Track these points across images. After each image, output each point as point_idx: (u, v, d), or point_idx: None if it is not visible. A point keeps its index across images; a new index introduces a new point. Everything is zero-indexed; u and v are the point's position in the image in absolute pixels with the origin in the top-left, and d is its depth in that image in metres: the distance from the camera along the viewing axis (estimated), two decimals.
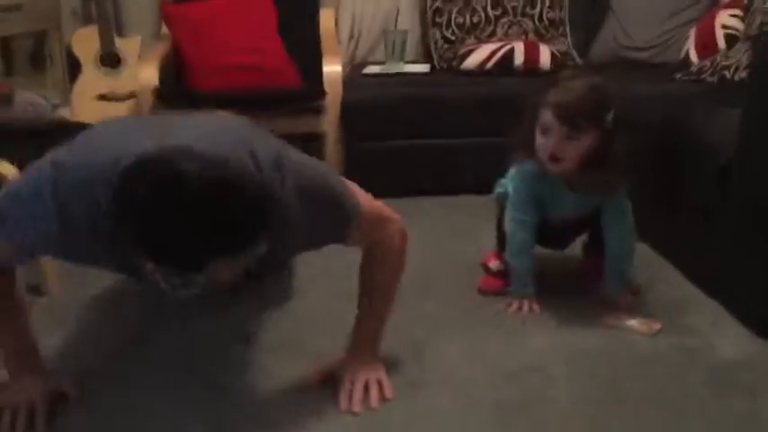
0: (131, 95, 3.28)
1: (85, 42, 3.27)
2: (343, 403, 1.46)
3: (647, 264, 2.11)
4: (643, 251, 2.13)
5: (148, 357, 1.68)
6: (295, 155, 1.34)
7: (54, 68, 3.25)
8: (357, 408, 1.45)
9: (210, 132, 1.24)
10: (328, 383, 1.52)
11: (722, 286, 1.87)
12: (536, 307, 1.88)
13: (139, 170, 1.05)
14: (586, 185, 1.81)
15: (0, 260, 1.33)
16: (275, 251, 1.17)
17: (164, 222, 1.02)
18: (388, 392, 1.50)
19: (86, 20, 3.38)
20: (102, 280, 2.03)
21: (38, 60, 3.22)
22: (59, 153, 1.25)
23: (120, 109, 3.25)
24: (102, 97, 3.26)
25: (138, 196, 1.03)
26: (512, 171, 1.93)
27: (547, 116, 1.70)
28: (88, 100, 3.21)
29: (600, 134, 1.70)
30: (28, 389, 1.43)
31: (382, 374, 1.53)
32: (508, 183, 1.94)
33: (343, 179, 1.43)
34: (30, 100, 2.20)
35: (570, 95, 1.69)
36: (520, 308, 1.88)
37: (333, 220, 1.36)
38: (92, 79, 3.27)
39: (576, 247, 2.12)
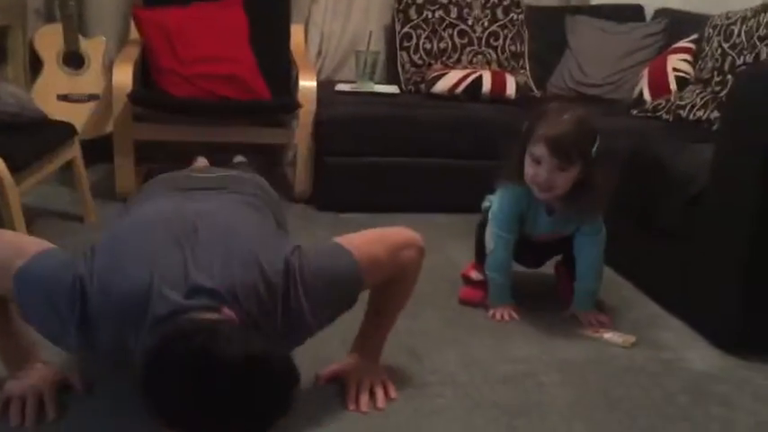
0: (93, 97, 3.23)
1: (49, 40, 3.20)
2: (351, 404, 1.50)
3: (613, 285, 2.25)
4: (607, 273, 2.26)
5: None
6: (296, 251, 1.35)
7: (14, 65, 3.16)
8: (364, 408, 1.49)
9: (227, 247, 1.28)
10: (333, 386, 1.56)
11: (687, 306, 2.01)
12: (515, 314, 1.99)
13: (174, 350, 1.07)
14: (565, 212, 1.93)
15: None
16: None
17: (194, 409, 1.05)
18: (393, 393, 1.55)
19: (49, 18, 3.31)
20: None
21: None
22: (96, 263, 1.25)
23: (82, 110, 3.19)
24: (64, 97, 3.19)
25: (167, 380, 1.06)
26: (497, 193, 2.02)
27: (539, 148, 1.80)
28: (49, 99, 3.14)
29: (585, 165, 1.82)
30: (35, 379, 1.41)
31: (385, 377, 1.58)
32: (495, 199, 2.03)
33: (340, 242, 1.42)
34: (11, 91, 2.15)
35: (561, 129, 1.78)
36: (501, 317, 1.97)
37: (348, 291, 1.39)
38: (53, 78, 3.20)
39: (550, 266, 2.23)
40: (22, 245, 1.31)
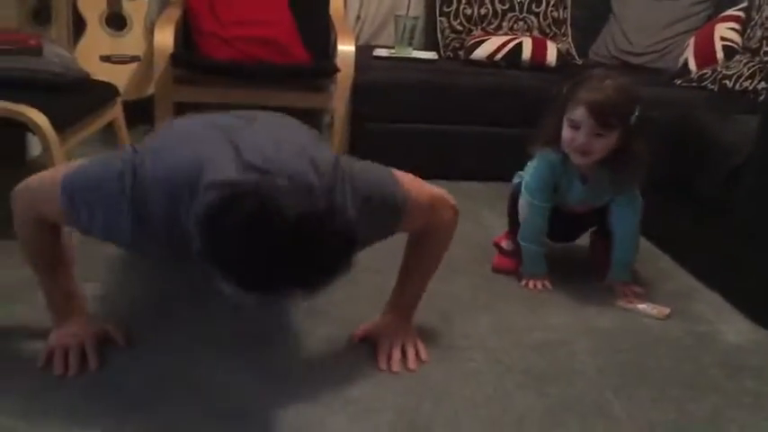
0: (135, 59, 3.27)
1: (92, 1, 3.24)
2: (383, 363, 1.52)
3: (649, 256, 2.23)
4: (643, 244, 2.24)
5: (189, 309, 1.71)
6: (344, 158, 1.37)
7: (58, 25, 3.20)
8: (396, 367, 1.51)
9: (277, 142, 1.26)
10: (364, 346, 1.58)
11: (724, 279, 1.99)
12: (548, 284, 1.98)
13: (232, 204, 1.05)
14: (600, 180, 1.92)
15: (52, 218, 1.35)
16: None
17: (258, 259, 1.03)
18: (424, 355, 1.57)
19: None
20: None
21: (42, 16, 3.16)
22: (145, 150, 1.27)
23: (124, 71, 3.24)
24: (106, 59, 3.24)
25: (230, 232, 1.04)
26: (532, 162, 2.01)
27: (579, 112, 1.79)
28: (91, 60, 3.19)
29: (623, 133, 1.80)
30: (76, 331, 1.46)
31: (417, 339, 1.60)
32: (529, 168, 2.02)
33: (393, 171, 1.44)
34: (56, 52, 2.19)
35: (603, 94, 1.77)
36: (534, 285, 1.97)
37: (386, 219, 1.39)
38: (96, 39, 3.24)
39: (584, 239, 2.21)
40: (61, 166, 1.35)
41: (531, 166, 2.00)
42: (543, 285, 1.98)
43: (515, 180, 2.10)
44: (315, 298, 1.13)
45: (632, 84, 1.86)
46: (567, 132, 1.83)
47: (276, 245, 1.02)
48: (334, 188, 1.25)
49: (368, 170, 1.39)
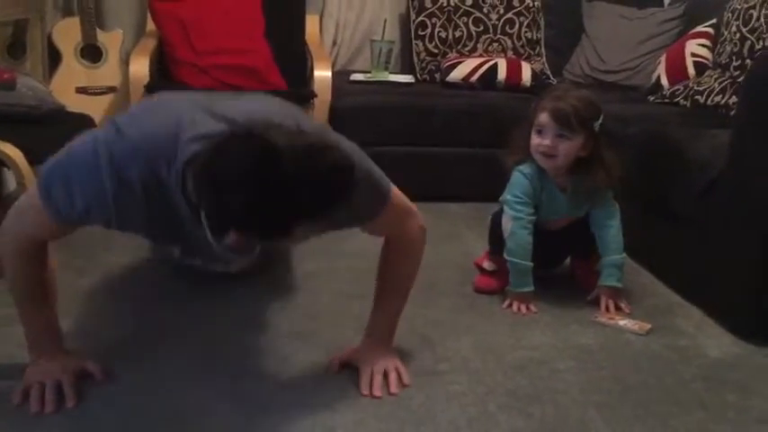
0: (111, 89, 3.26)
1: (67, 34, 3.23)
2: (365, 389, 1.51)
3: (629, 271, 2.23)
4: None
5: (166, 340, 1.70)
6: (332, 132, 1.39)
7: (33, 58, 3.19)
8: (378, 392, 1.50)
9: (261, 108, 1.28)
10: (346, 371, 1.57)
11: (703, 293, 2.00)
12: (533, 307, 1.97)
13: (233, 144, 1.07)
14: (577, 187, 1.98)
15: (39, 232, 1.34)
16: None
17: (266, 195, 1.03)
18: (407, 379, 1.55)
19: (67, 11, 3.35)
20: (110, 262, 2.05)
21: (16, 49, 3.15)
22: (119, 120, 1.27)
23: (101, 102, 3.22)
24: (82, 90, 3.23)
25: (234, 169, 1.04)
26: (511, 176, 2.03)
27: (543, 117, 1.91)
28: (68, 92, 3.17)
29: (588, 138, 1.91)
30: (53, 367, 1.44)
31: (399, 362, 1.59)
32: (508, 186, 2.04)
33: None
34: (30, 84, 2.18)
35: (564, 101, 1.90)
36: (519, 309, 1.97)
37: (370, 199, 1.39)
38: (71, 71, 3.23)
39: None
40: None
41: (509, 182, 2.02)
42: (528, 309, 1.97)
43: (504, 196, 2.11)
44: (308, 238, 1.11)
45: (595, 97, 1.99)
46: (534, 138, 1.94)
47: (276, 176, 1.03)
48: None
49: (356, 150, 1.37)
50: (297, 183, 1.04)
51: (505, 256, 2.01)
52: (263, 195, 1.04)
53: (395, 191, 1.48)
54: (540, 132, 1.92)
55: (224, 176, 1.05)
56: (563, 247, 2.16)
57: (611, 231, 2.02)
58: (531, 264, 1.99)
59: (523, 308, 1.97)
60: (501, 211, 2.05)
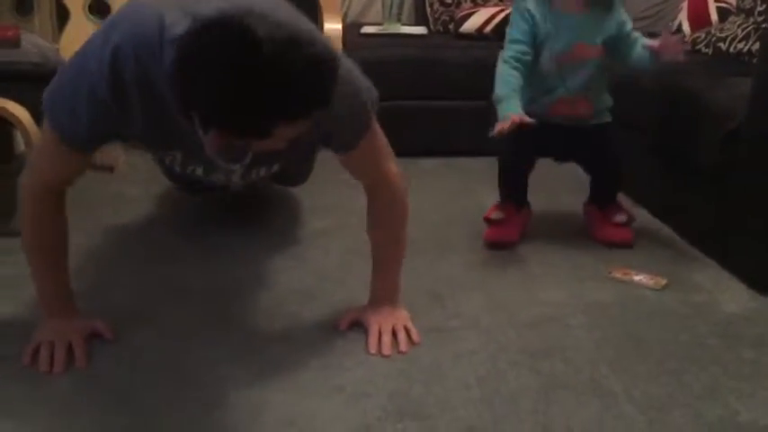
0: None
1: None
2: (373, 348, 1.50)
3: (646, 226, 2.20)
4: (640, 215, 2.22)
5: (175, 299, 1.69)
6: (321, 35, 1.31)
7: (41, 15, 3.16)
8: (387, 351, 1.49)
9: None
10: (354, 329, 1.56)
11: (722, 247, 1.96)
12: (523, 117, 1.78)
13: (211, 31, 1.03)
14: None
15: (56, 170, 1.34)
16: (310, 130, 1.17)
17: (242, 84, 1.00)
18: (416, 337, 1.54)
19: None
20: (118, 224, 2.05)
21: (25, 6, 3.12)
22: (107, 28, 1.25)
23: None
24: None
25: (212, 58, 1.01)
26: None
27: None
28: (76, 48, 3.14)
29: None
30: (64, 327, 1.44)
31: (408, 320, 1.57)
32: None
33: None
34: (34, 42, 2.15)
35: None
36: (504, 125, 1.78)
37: (351, 112, 1.34)
38: (81, 28, 3.18)
39: (576, 207, 2.19)
40: None
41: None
42: (513, 121, 1.76)
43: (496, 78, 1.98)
44: (297, 131, 1.10)
45: None
46: None
47: (251, 67, 0.99)
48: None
49: (346, 61, 1.33)
50: (273, 75, 1.00)
51: (493, 98, 1.90)
52: (236, 85, 1.00)
53: (377, 127, 1.44)
54: None
55: (200, 66, 1.03)
56: (574, 145, 2.05)
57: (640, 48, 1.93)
58: (516, 94, 1.85)
59: (508, 123, 1.76)
60: (506, 151, 1.98)
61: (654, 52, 1.93)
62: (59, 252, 1.43)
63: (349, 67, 1.34)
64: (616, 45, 1.97)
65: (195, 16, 1.10)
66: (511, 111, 1.82)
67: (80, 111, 1.24)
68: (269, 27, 1.02)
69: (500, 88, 1.89)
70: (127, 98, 1.22)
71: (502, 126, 1.78)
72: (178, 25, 1.15)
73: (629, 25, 1.97)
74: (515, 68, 1.89)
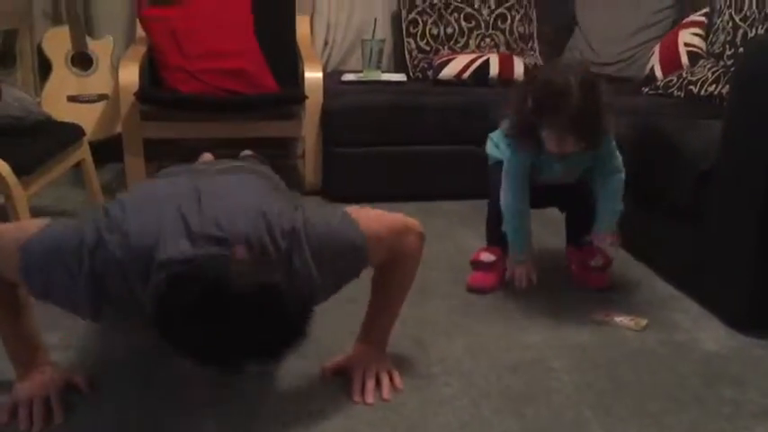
0: (102, 97, 3.25)
1: (57, 42, 3.23)
2: (356, 395, 1.49)
3: (625, 265, 2.22)
4: (619, 254, 2.24)
5: (152, 349, 1.67)
6: (302, 210, 1.36)
7: (24, 68, 3.19)
8: (370, 398, 1.48)
9: (230, 204, 1.28)
10: (338, 378, 1.55)
11: (700, 286, 1.98)
12: (533, 276, 1.99)
13: (182, 284, 1.11)
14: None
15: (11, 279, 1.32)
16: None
17: (213, 338, 1.10)
18: (399, 383, 1.54)
19: (56, 20, 3.34)
20: None
21: (7, 59, 3.15)
22: (108, 215, 1.27)
23: (92, 111, 3.22)
24: (74, 99, 3.22)
25: (182, 313, 1.10)
26: (500, 132, 2.02)
27: (561, 136, 1.77)
28: (59, 101, 3.17)
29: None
30: (40, 383, 1.42)
31: (391, 366, 1.57)
32: (498, 141, 2.04)
33: (348, 210, 1.42)
34: (15, 95, 2.17)
35: (576, 109, 1.71)
36: (520, 281, 1.98)
37: (349, 263, 1.38)
38: (62, 80, 3.22)
39: (559, 243, 2.21)
40: (25, 225, 1.34)
41: (509, 151, 1.98)
42: (528, 280, 1.98)
43: (490, 152, 2.09)
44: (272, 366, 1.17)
45: (586, 67, 1.92)
46: (552, 142, 1.80)
47: (229, 321, 1.08)
48: (291, 250, 1.27)
49: (324, 219, 1.37)
50: (246, 328, 1.09)
51: (503, 216, 1.99)
52: (206, 339, 1.10)
53: (373, 228, 1.40)
54: (559, 139, 1.78)
55: (173, 319, 1.11)
56: (551, 196, 2.14)
57: (614, 186, 1.98)
58: (528, 227, 1.99)
59: (524, 280, 1.98)
60: (498, 199, 2.02)
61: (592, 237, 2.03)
62: (24, 310, 1.41)
63: (323, 220, 1.36)
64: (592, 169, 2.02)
65: (196, 235, 1.19)
66: (525, 253, 2.00)
67: (53, 290, 1.25)
68: (249, 271, 1.13)
69: (512, 216, 1.99)
70: (106, 298, 1.25)
71: (520, 276, 1.99)
72: (171, 244, 1.19)
73: (617, 161, 2.00)
74: (525, 220, 1.99)
